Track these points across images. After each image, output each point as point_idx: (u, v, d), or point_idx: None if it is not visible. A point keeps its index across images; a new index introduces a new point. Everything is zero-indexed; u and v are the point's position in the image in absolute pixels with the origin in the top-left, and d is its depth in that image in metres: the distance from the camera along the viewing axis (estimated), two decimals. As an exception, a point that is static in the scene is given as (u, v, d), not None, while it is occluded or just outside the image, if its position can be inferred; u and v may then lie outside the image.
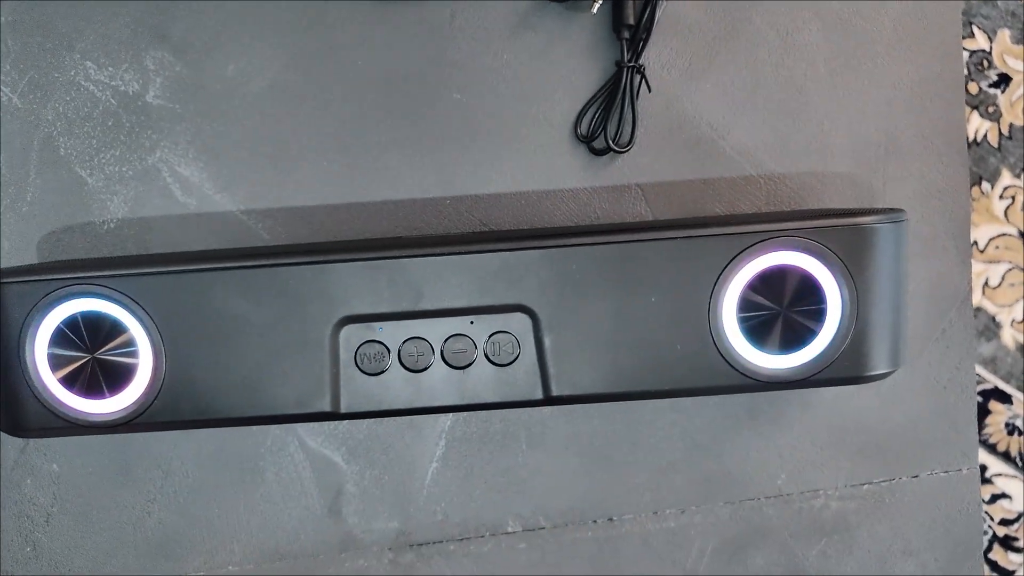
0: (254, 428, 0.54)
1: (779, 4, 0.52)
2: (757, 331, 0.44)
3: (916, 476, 0.55)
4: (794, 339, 0.44)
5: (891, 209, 0.46)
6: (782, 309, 0.44)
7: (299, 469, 0.54)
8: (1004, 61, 1.04)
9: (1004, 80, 1.04)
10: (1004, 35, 1.03)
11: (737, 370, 0.44)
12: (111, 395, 0.44)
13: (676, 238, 0.43)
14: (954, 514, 0.56)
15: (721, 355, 0.44)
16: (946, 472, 0.55)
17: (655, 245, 0.43)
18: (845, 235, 0.43)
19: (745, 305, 0.43)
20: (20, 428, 0.45)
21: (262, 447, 0.54)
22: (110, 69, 0.52)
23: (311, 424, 0.54)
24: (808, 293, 0.43)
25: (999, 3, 1.04)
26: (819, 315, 0.44)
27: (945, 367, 0.55)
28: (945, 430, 0.55)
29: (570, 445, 0.54)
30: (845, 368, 0.44)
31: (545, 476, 0.54)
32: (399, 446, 0.54)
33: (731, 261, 0.43)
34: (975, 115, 0.98)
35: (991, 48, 1.01)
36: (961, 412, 0.55)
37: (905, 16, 0.53)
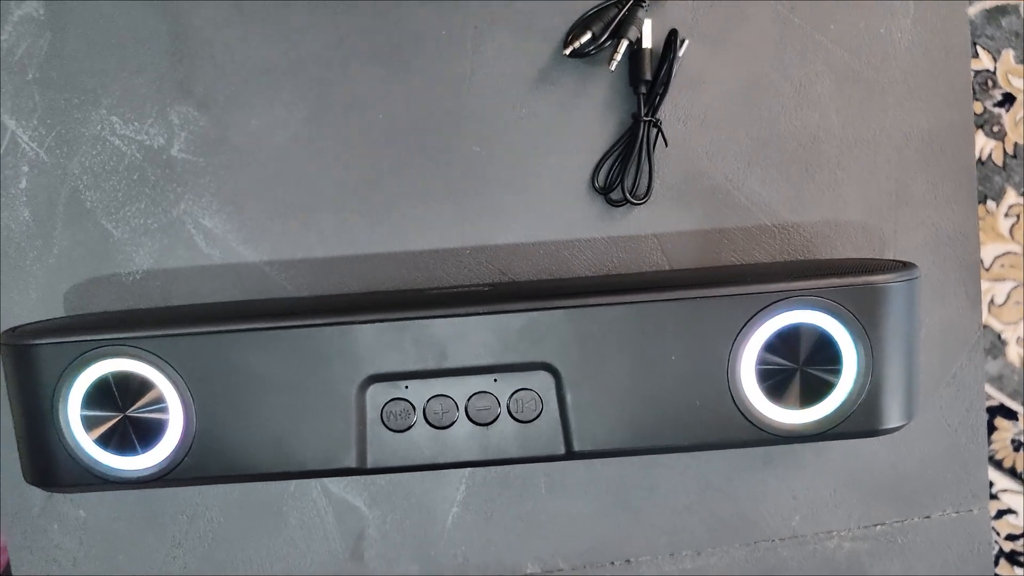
0: (278, 475, 0.54)
1: (793, 57, 0.53)
2: (774, 387, 0.45)
3: (928, 517, 0.56)
4: (810, 395, 0.45)
5: (904, 264, 0.47)
6: (799, 366, 0.45)
7: (322, 514, 0.55)
8: (1008, 81, 1.05)
9: (1008, 100, 1.05)
10: (1008, 55, 1.04)
11: (755, 425, 0.45)
12: (143, 452, 0.45)
13: (695, 298, 0.44)
14: (965, 554, 0.57)
15: (739, 411, 0.45)
16: (957, 512, 0.56)
17: (675, 305, 0.44)
18: (860, 294, 0.44)
19: (763, 362, 0.44)
20: (54, 484, 0.46)
21: (285, 493, 0.55)
22: (135, 124, 0.53)
23: (334, 470, 0.55)
24: (824, 350, 0.44)
25: (1003, 23, 1.06)
26: (835, 372, 0.44)
27: (956, 410, 0.55)
28: (956, 471, 0.56)
29: (588, 489, 0.55)
30: (860, 422, 0.45)
31: (564, 519, 0.55)
32: (420, 491, 0.55)
33: (749, 320, 0.44)
34: (980, 134, 0.99)
35: (995, 68, 1.03)
36: (972, 454, 0.56)
37: (915, 68, 0.53)
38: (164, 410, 0.45)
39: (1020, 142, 1.05)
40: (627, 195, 0.52)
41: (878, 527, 0.56)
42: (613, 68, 0.51)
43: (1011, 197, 1.07)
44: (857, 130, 0.54)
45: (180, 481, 0.45)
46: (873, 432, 0.45)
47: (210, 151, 0.53)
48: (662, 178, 0.53)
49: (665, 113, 0.53)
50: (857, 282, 0.44)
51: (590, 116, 0.53)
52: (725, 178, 0.54)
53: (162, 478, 0.45)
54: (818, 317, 0.44)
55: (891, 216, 0.54)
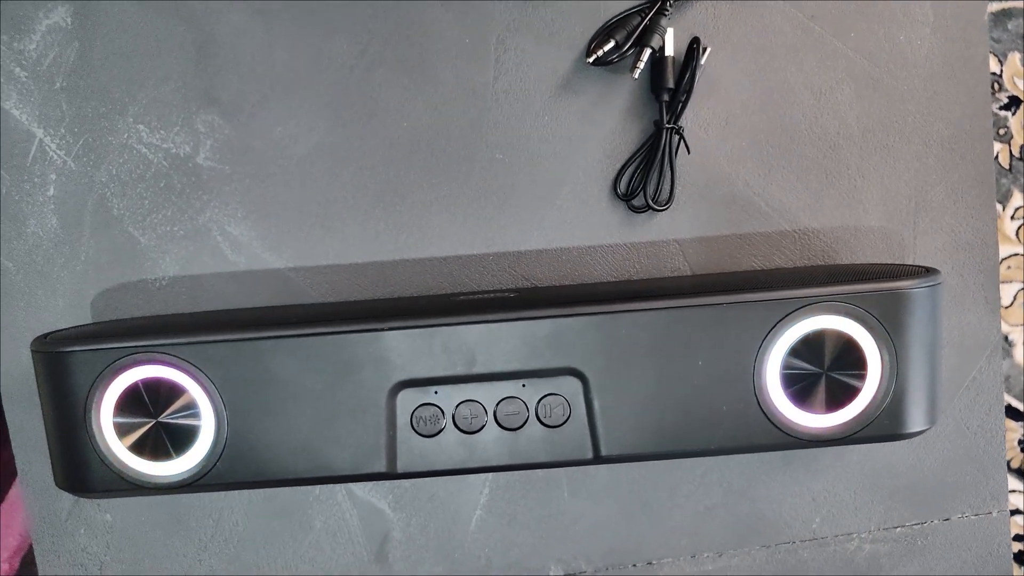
0: (303, 479, 0.55)
1: (813, 65, 0.53)
2: (799, 392, 0.45)
3: (947, 519, 0.57)
4: (835, 400, 0.45)
5: (926, 269, 0.47)
6: (824, 371, 0.45)
7: (347, 517, 0.56)
8: (1015, 83, 1.05)
9: (1015, 103, 1.06)
10: (1015, 58, 1.05)
11: (780, 430, 0.45)
12: (175, 457, 0.46)
13: (722, 304, 0.44)
14: (985, 556, 0.57)
15: (765, 415, 0.45)
16: (976, 515, 0.57)
17: (702, 311, 0.44)
18: (885, 300, 0.44)
19: (788, 367, 0.45)
20: (86, 490, 0.46)
21: (311, 496, 0.55)
22: (162, 132, 0.53)
23: (358, 474, 0.55)
24: (849, 355, 0.45)
25: (1009, 26, 1.06)
26: (860, 377, 0.45)
27: (975, 414, 0.56)
28: (975, 474, 0.56)
29: (610, 492, 0.55)
30: (884, 427, 0.45)
31: (586, 522, 0.56)
32: (444, 494, 0.56)
33: (775, 326, 0.44)
34: (987, 137, 0.99)
35: (1002, 71, 1.03)
36: (990, 456, 0.56)
37: (935, 76, 0.54)
38: (196, 416, 0.45)
39: (1027, 144, 1.05)
40: (649, 201, 0.53)
41: (898, 529, 0.57)
42: (636, 76, 0.51)
43: (1017, 200, 1.07)
44: (877, 137, 0.54)
45: (212, 486, 0.46)
46: (897, 436, 0.46)
47: (235, 159, 0.53)
48: (683, 184, 0.54)
49: (686, 120, 0.53)
50: (882, 288, 0.44)
51: (612, 123, 0.53)
52: (746, 184, 0.54)
53: (194, 484, 0.46)
54: (843, 322, 0.45)
55: (910, 222, 0.55)
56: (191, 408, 0.45)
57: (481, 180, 0.54)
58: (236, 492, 0.55)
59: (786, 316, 0.44)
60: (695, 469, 0.55)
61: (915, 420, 0.46)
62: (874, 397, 0.45)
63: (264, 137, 0.53)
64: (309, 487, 0.55)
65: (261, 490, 0.55)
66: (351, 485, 0.55)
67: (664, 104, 0.52)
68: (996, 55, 1.06)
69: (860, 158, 0.54)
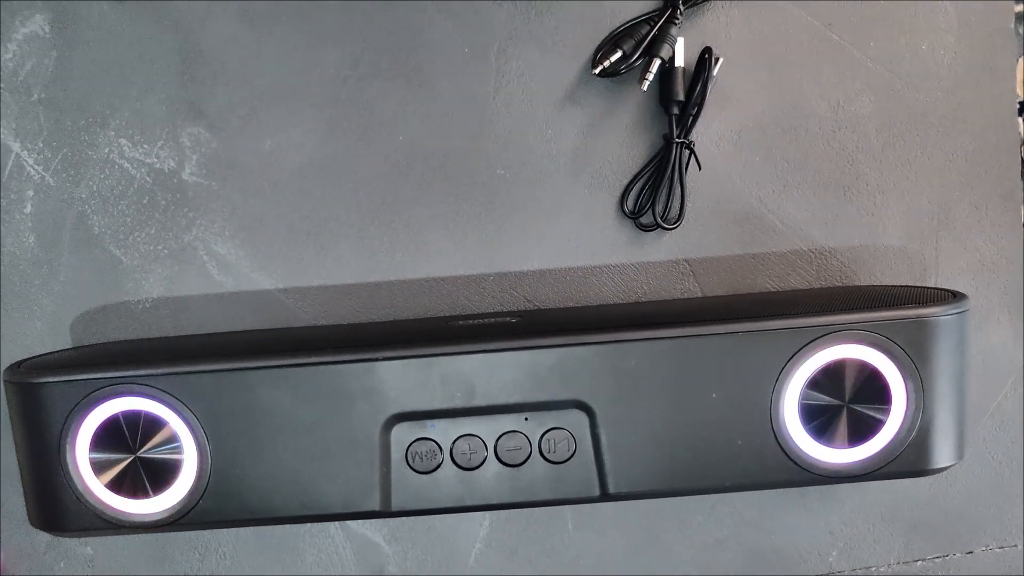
0: (294, 511, 0.52)
1: (831, 75, 0.51)
2: (819, 426, 0.42)
3: (970, 552, 0.54)
4: (857, 433, 0.43)
5: (953, 294, 0.44)
6: (845, 403, 0.42)
7: (339, 550, 0.53)
8: (1024, 89, 1.03)
9: (1024, 108, 1.03)
10: (1023, 63, 1.02)
11: (799, 465, 0.43)
12: (155, 494, 0.43)
13: (737, 332, 0.42)
14: (1009, 591, 0.54)
15: (783, 451, 0.42)
16: (1001, 548, 0.54)
17: (716, 340, 0.42)
18: (910, 328, 0.42)
19: (807, 399, 0.42)
20: (61, 528, 0.44)
21: (302, 528, 0.53)
22: (145, 146, 0.51)
23: (352, 506, 0.53)
24: (872, 387, 0.42)
25: (1020, 31, 1.03)
26: (884, 409, 0.42)
27: (1000, 443, 0.53)
28: (999, 505, 0.54)
29: (616, 525, 0.53)
30: (909, 462, 0.43)
31: (592, 556, 0.53)
32: (442, 527, 0.53)
33: (794, 356, 0.42)
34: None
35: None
36: (1015, 487, 0.54)
37: (959, 87, 0.51)
38: (178, 451, 0.43)
39: (1039, 150, 1.02)
40: (658, 219, 0.50)
41: (919, 563, 0.54)
42: (645, 88, 0.48)
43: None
44: (897, 151, 0.51)
45: (194, 525, 0.43)
46: (922, 472, 0.43)
47: (223, 174, 0.51)
48: (694, 201, 0.51)
49: (697, 134, 0.51)
50: (907, 315, 0.42)
51: (619, 138, 0.51)
52: (759, 201, 0.52)
53: (175, 522, 0.43)
54: (866, 352, 0.42)
55: (932, 240, 0.52)
56: (172, 442, 0.43)
57: (481, 196, 0.51)
58: (223, 525, 0.52)
59: (805, 345, 0.42)
60: (706, 500, 0.53)
61: (942, 455, 0.43)
62: (899, 431, 0.42)
63: (253, 151, 0.51)
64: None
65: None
66: (344, 517, 0.53)
67: (674, 117, 0.49)
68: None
69: (880, 173, 0.52)
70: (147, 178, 0.51)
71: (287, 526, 0.53)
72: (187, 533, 0.52)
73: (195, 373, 0.42)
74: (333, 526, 0.53)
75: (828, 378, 0.42)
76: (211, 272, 0.51)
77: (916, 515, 0.53)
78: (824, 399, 0.42)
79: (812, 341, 0.42)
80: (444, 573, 0.53)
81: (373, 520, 0.53)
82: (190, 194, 0.51)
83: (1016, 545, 0.54)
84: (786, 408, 0.42)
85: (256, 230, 0.51)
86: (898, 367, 0.42)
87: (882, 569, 0.54)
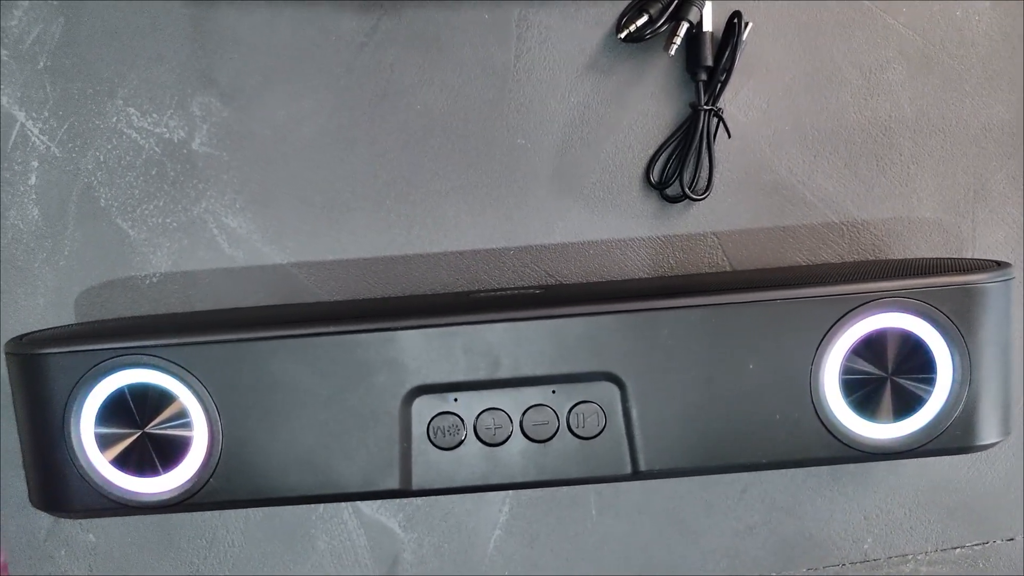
0: (306, 495, 0.50)
1: (862, 42, 0.49)
2: (861, 399, 0.40)
3: (1011, 539, 0.52)
4: (902, 407, 0.41)
5: (995, 263, 0.43)
6: (888, 375, 0.40)
7: (353, 537, 0.51)
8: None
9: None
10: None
11: (840, 441, 0.41)
12: (163, 472, 0.41)
13: (776, 300, 0.40)
14: (1051, 579, 0.52)
15: (823, 425, 0.40)
16: (1042, 534, 0.52)
17: (753, 308, 0.40)
18: (956, 296, 0.40)
19: (849, 371, 0.40)
20: (63, 509, 0.42)
21: (314, 514, 0.51)
22: (154, 115, 0.49)
23: (367, 490, 0.51)
24: (917, 357, 0.40)
25: None
26: (929, 381, 0.40)
27: (1040, 423, 0.51)
28: (1040, 489, 0.52)
29: (642, 509, 0.51)
30: (956, 438, 0.41)
31: (616, 542, 0.51)
32: (460, 512, 0.51)
33: (834, 324, 0.40)
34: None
35: None
36: (1057, 470, 0.52)
37: (995, 54, 0.50)
38: (187, 426, 0.41)
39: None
40: (685, 190, 0.48)
41: (957, 550, 0.52)
42: (672, 53, 0.47)
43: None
44: (932, 120, 0.50)
45: (204, 505, 0.41)
46: (969, 448, 0.41)
47: (234, 145, 0.49)
48: (722, 172, 0.49)
49: (725, 102, 0.49)
50: (953, 282, 0.40)
51: (645, 105, 0.49)
52: (790, 172, 0.50)
53: (184, 502, 0.41)
54: (909, 321, 0.40)
55: (969, 213, 0.50)
56: (182, 417, 0.41)
57: (501, 167, 0.49)
58: (232, 511, 0.50)
59: (846, 314, 0.40)
60: (735, 484, 0.51)
61: (989, 430, 0.41)
62: (945, 404, 0.40)
63: (265, 121, 0.49)
64: (312, 505, 0.50)
65: (260, 509, 0.50)
66: (358, 502, 0.51)
67: (701, 84, 0.47)
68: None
69: (913, 143, 0.50)
70: (156, 148, 0.49)
71: (298, 511, 0.50)
72: (194, 519, 0.50)
73: (207, 343, 0.40)
74: (347, 511, 0.51)
75: (870, 349, 0.40)
76: (221, 246, 0.49)
77: (954, 499, 0.51)
78: (866, 371, 0.40)
79: (853, 309, 0.40)
80: (462, 560, 0.51)
81: (389, 504, 0.51)
82: (200, 165, 0.49)
83: (1058, 531, 0.52)
84: (826, 380, 0.40)
85: (268, 203, 0.49)
86: (944, 337, 0.40)
87: (919, 557, 0.52)
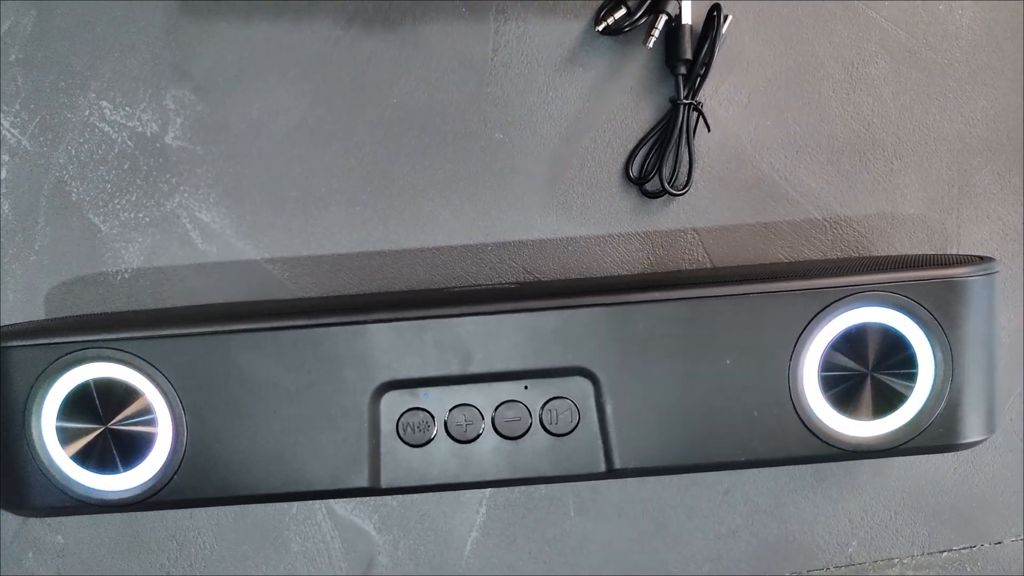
0: (279, 496, 0.49)
1: (844, 36, 0.49)
2: (841, 395, 0.40)
3: (999, 543, 0.51)
4: (882, 404, 0.40)
5: (978, 257, 0.42)
6: (868, 371, 0.40)
7: (327, 539, 0.50)
8: None
9: None
10: None
11: (820, 439, 0.40)
12: (126, 470, 0.40)
13: (754, 294, 0.39)
14: (1040, 584, 0.51)
15: (802, 422, 0.40)
16: (1031, 538, 0.51)
17: (730, 301, 0.39)
18: (937, 289, 0.39)
19: (828, 366, 0.39)
20: (24, 507, 0.41)
21: (287, 515, 0.50)
22: (127, 109, 0.48)
23: (341, 491, 0.50)
24: (898, 353, 0.39)
25: None
26: (910, 377, 0.39)
27: (1028, 424, 0.50)
28: (1028, 492, 0.51)
29: (622, 511, 0.50)
30: (938, 435, 0.40)
31: (595, 545, 0.50)
32: (436, 514, 0.50)
33: (814, 318, 0.39)
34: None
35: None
36: (1045, 472, 0.51)
37: (978, 48, 0.49)
38: (152, 422, 0.40)
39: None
40: (665, 185, 0.48)
41: (944, 554, 0.51)
42: (650, 45, 0.46)
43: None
44: (915, 116, 0.49)
45: (169, 504, 0.40)
46: (952, 447, 0.40)
47: (208, 139, 0.48)
48: (702, 168, 0.49)
49: (705, 97, 0.48)
50: (934, 275, 0.39)
51: (624, 100, 0.48)
52: (771, 168, 0.49)
53: (148, 500, 0.40)
54: (890, 315, 0.39)
55: (953, 209, 0.50)
56: (146, 413, 0.40)
57: (479, 162, 0.49)
58: (202, 511, 0.49)
59: (825, 308, 0.39)
60: (717, 486, 0.50)
61: (973, 428, 0.40)
62: (927, 401, 0.40)
63: (240, 115, 0.48)
64: (285, 506, 0.49)
65: (230, 508, 0.49)
66: (332, 503, 0.49)
67: (681, 78, 0.47)
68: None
69: (897, 139, 0.49)
70: (128, 142, 0.49)
71: (271, 512, 0.49)
72: (164, 520, 0.49)
73: (172, 337, 0.39)
74: (320, 512, 0.50)
75: (850, 344, 0.39)
76: (194, 241, 0.49)
77: (940, 502, 0.50)
78: (846, 367, 0.39)
79: (832, 303, 0.39)
80: (438, 563, 0.50)
81: (363, 505, 0.50)
82: (173, 159, 0.49)
83: (1047, 535, 0.51)
84: (806, 376, 0.39)
85: (242, 197, 0.49)
86: (925, 332, 0.39)
87: (905, 560, 0.51)
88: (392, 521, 0.50)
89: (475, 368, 0.39)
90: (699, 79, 0.47)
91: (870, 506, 0.50)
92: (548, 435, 0.40)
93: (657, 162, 0.48)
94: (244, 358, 0.39)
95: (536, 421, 0.40)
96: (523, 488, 0.50)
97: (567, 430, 0.40)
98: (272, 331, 0.39)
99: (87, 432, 0.40)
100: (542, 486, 0.50)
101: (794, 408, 0.39)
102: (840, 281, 0.39)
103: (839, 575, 0.51)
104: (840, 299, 0.39)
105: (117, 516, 0.49)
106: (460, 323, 0.39)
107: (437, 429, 0.40)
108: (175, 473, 0.40)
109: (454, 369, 0.39)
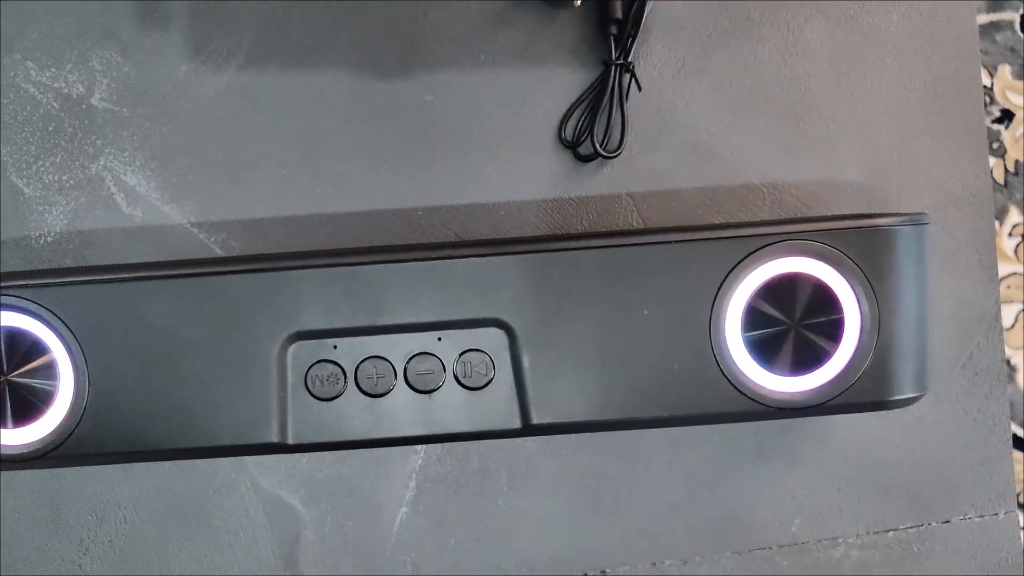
0: (200, 465, 0.48)
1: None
2: (765, 349, 0.38)
3: (947, 521, 0.49)
4: (808, 358, 0.38)
5: (911, 213, 0.41)
6: (793, 324, 0.38)
7: (251, 514, 0.48)
8: (1006, 97, 1.01)
9: (1007, 116, 1.01)
10: (1004, 71, 1.00)
11: (743, 393, 0.38)
12: (26, 423, 0.38)
13: (672, 242, 0.38)
14: (991, 565, 0.49)
15: (724, 376, 0.38)
16: (981, 517, 0.49)
17: (648, 250, 0.38)
18: (863, 238, 0.38)
19: (751, 319, 0.38)
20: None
21: (210, 488, 0.48)
22: (53, 70, 0.48)
23: (265, 461, 0.48)
24: (823, 305, 0.38)
25: (998, 38, 1.02)
26: (836, 330, 0.38)
27: (974, 397, 0.49)
28: (977, 468, 0.49)
29: (557, 486, 0.48)
30: (867, 391, 0.38)
31: (529, 522, 0.48)
32: (364, 488, 0.48)
33: (735, 268, 0.38)
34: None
35: (992, 84, 0.99)
36: (994, 447, 0.49)
37: (916, 12, 0.49)
38: (52, 375, 0.38)
39: (1021, 159, 1.00)
40: (597, 148, 0.47)
41: (890, 533, 0.49)
42: (578, 3, 0.46)
43: (1014, 216, 1.01)
44: (853, 80, 0.49)
45: (70, 459, 0.39)
46: (882, 403, 0.39)
47: (134, 100, 0.48)
48: (637, 132, 0.48)
49: (639, 58, 0.48)
50: (860, 224, 0.38)
51: (555, 62, 0.48)
52: (707, 132, 0.48)
53: (47, 455, 0.38)
54: (815, 265, 0.38)
55: (893, 175, 0.49)
56: (47, 365, 0.38)
57: (409, 125, 0.48)
58: (123, 480, 0.47)
59: (747, 256, 0.38)
60: (656, 459, 0.48)
61: (903, 384, 0.39)
62: (854, 355, 0.38)
63: (167, 77, 0.48)
64: (207, 478, 0.48)
65: (151, 479, 0.47)
66: (256, 476, 0.48)
67: (612, 38, 0.46)
68: (986, 68, 1.01)
69: (834, 103, 0.48)
70: (54, 103, 0.48)
71: (193, 485, 0.48)
72: (83, 492, 0.47)
73: (73, 284, 0.38)
74: (244, 485, 0.48)
75: (773, 296, 0.38)
76: (119, 204, 0.48)
77: (886, 479, 0.49)
78: (769, 319, 0.38)
79: (754, 252, 0.38)
80: (367, 539, 0.48)
81: (289, 480, 0.48)
82: (99, 121, 0.48)
83: (997, 513, 0.49)
84: (728, 328, 0.38)
85: (169, 160, 0.48)
86: (851, 283, 0.38)
87: (850, 540, 0.49)
88: (319, 495, 0.48)
89: (386, 319, 0.38)
90: (630, 39, 0.46)
91: (814, 483, 0.49)
92: (462, 389, 0.38)
93: (589, 125, 0.47)
94: (149, 308, 0.38)
95: (450, 375, 0.38)
96: (454, 460, 0.48)
97: (482, 384, 0.38)
98: (177, 278, 0.38)
99: (-17, 383, 0.38)
100: (474, 461, 0.48)
101: (716, 362, 0.38)
102: (762, 230, 0.38)
103: (783, 555, 0.49)
104: (762, 247, 0.38)
105: (33, 486, 0.47)
106: (371, 271, 0.38)
107: (347, 382, 0.38)
108: (76, 426, 0.38)
109: (365, 320, 0.38)
